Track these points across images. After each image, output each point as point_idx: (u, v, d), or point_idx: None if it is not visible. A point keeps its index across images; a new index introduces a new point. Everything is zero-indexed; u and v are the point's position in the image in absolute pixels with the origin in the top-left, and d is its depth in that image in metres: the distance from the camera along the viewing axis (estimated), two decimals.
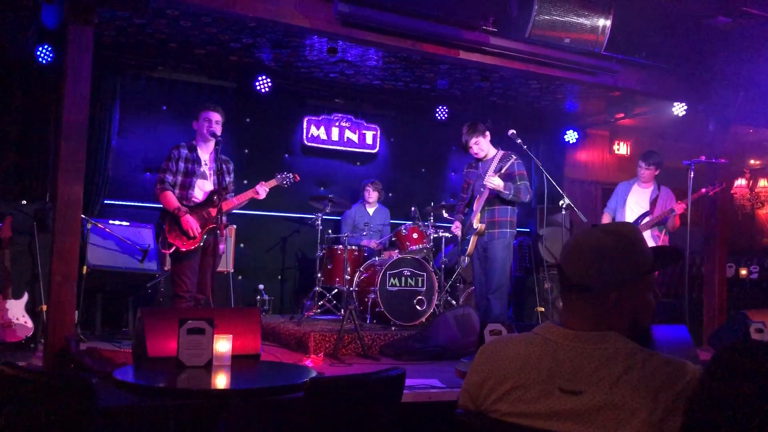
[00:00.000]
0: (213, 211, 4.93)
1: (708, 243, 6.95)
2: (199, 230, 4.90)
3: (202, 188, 5.05)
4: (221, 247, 5.10)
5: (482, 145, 5.58)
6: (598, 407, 1.42)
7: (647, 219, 6.12)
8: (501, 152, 5.57)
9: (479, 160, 5.64)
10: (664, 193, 6.26)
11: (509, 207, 5.53)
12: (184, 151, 5.01)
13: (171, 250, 4.87)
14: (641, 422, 1.38)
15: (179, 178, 4.98)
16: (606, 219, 6.44)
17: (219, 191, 4.91)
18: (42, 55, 6.30)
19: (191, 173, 5.01)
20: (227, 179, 5.11)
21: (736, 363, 1.26)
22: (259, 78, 7.37)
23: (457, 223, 5.74)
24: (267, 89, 7.42)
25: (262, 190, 5.21)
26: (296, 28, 5.17)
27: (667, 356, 1.47)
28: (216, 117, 5.04)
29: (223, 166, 5.06)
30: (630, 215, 6.28)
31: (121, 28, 6.26)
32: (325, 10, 5.02)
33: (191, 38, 6.46)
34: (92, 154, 6.50)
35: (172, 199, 4.91)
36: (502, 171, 5.42)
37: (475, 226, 5.51)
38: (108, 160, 6.91)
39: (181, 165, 4.98)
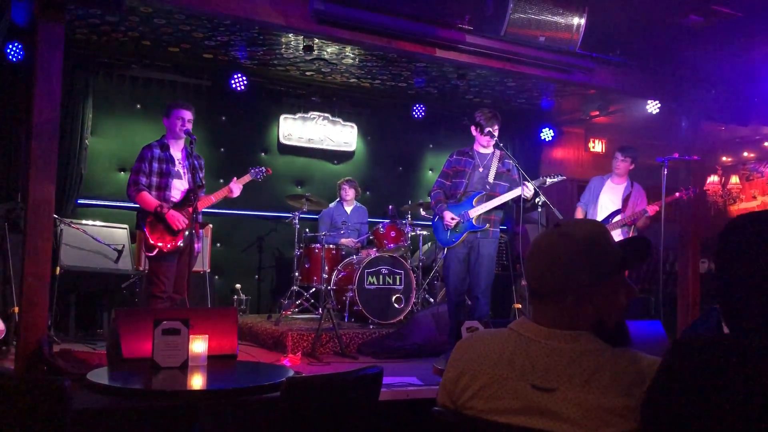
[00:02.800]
0: (191, 210, 4.83)
1: (681, 239, 7.04)
2: (186, 222, 4.81)
3: (178, 188, 4.96)
4: (197, 246, 4.97)
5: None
6: (570, 405, 1.42)
7: (618, 218, 6.13)
8: (499, 151, 5.32)
9: (468, 152, 5.28)
10: (636, 190, 6.27)
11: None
12: (157, 151, 4.90)
13: (154, 253, 4.77)
14: (613, 419, 1.38)
15: (154, 179, 4.88)
16: (579, 213, 6.46)
17: (195, 189, 4.84)
18: (12, 53, 6.19)
19: (167, 174, 4.91)
20: (199, 176, 5.02)
21: (694, 358, 1.27)
22: (235, 76, 7.31)
23: (451, 214, 5.17)
24: (242, 87, 7.36)
25: (236, 188, 5.14)
26: (271, 25, 5.15)
27: (637, 353, 1.47)
28: (189, 115, 4.96)
29: (196, 162, 4.97)
30: (602, 212, 6.30)
31: (93, 26, 6.17)
32: (300, 8, 4.99)
33: (165, 36, 6.39)
34: (65, 153, 6.40)
35: (150, 198, 4.81)
36: (540, 183, 5.29)
37: (477, 224, 5.16)
38: (81, 159, 6.81)
39: (155, 165, 4.88)
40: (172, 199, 4.90)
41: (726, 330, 1.37)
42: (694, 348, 1.29)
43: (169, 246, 4.79)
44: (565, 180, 6.36)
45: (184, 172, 4.98)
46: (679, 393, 1.26)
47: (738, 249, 1.34)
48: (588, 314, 1.52)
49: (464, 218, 5.12)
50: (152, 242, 4.76)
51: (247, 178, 5.32)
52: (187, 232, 4.84)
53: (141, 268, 6.12)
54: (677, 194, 6.12)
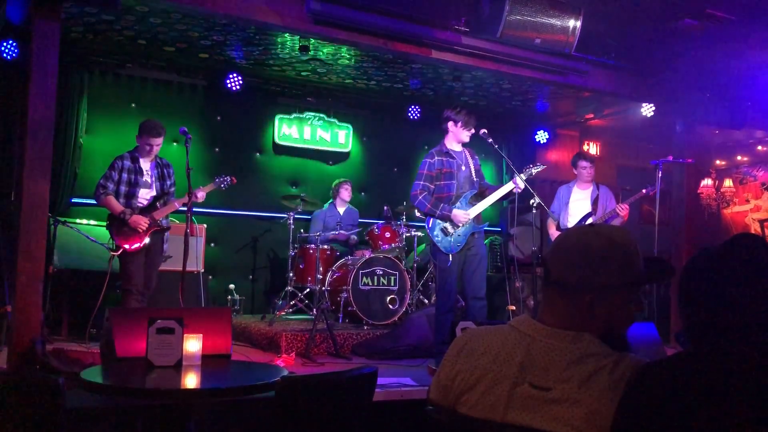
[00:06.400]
0: (156, 215, 5.32)
1: (675, 242, 7.07)
2: (147, 224, 5.23)
3: (144, 197, 5.36)
4: (165, 246, 5.49)
5: None
6: (565, 405, 1.42)
7: (590, 220, 6.21)
8: (466, 148, 5.28)
9: (447, 152, 5.18)
10: (603, 191, 6.41)
11: None
12: (127, 163, 5.32)
13: (119, 252, 5.19)
14: (605, 423, 1.38)
15: (123, 188, 5.29)
16: (551, 225, 6.46)
17: (161, 196, 5.37)
18: (6, 50, 6.17)
19: (134, 184, 5.32)
20: (168, 183, 5.48)
21: (656, 382, 1.31)
22: (230, 76, 7.30)
23: (463, 212, 5.02)
24: (238, 87, 7.36)
25: (201, 194, 5.47)
26: (267, 25, 5.15)
27: (637, 359, 1.47)
28: (157, 141, 5.32)
29: (164, 171, 5.45)
30: (573, 217, 6.38)
31: (88, 24, 6.16)
32: (296, 8, 4.99)
33: (161, 35, 6.38)
34: (59, 151, 6.38)
35: (115, 203, 5.24)
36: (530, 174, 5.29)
37: (478, 224, 5.10)
38: (75, 158, 6.79)
39: (124, 176, 5.30)
40: (138, 205, 5.33)
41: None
42: (656, 373, 1.33)
43: (132, 246, 5.21)
44: (560, 182, 6.39)
45: (151, 182, 5.41)
46: (645, 418, 1.28)
47: (703, 277, 1.40)
48: (600, 317, 1.52)
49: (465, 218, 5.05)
50: (117, 242, 5.21)
51: (210, 187, 5.63)
52: (148, 237, 5.28)
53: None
54: (643, 191, 6.20)
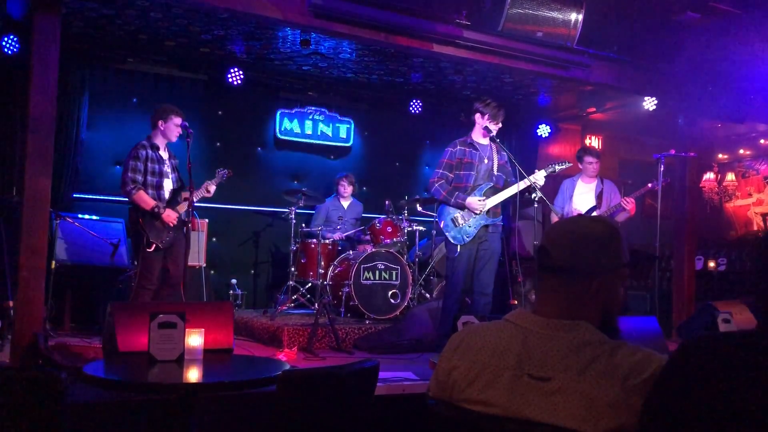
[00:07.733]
0: (179, 209, 5.18)
1: (677, 236, 7.06)
2: (176, 219, 5.12)
3: (167, 188, 5.23)
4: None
5: None
6: (565, 394, 1.43)
7: (595, 214, 6.19)
8: (493, 143, 5.24)
9: (471, 143, 5.16)
10: (608, 186, 6.40)
11: None
12: (150, 152, 5.14)
13: (152, 248, 5.04)
14: (606, 410, 1.39)
15: (148, 178, 5.10)
16: (555, 220, 6.45)
17: (179, 189, 5.26)
18: (7, 45, 6.16)
19: (159, 173, 5.16)
20: (179, 174, 5.36)
21: (703, 355, 1.28)
22: (231, 70, 7.29)
23: (477, 198, 5.02)
24: (239, 82, 7.35)
25: (212, 188, 5.43)
26: (269, 19, 5.13)
27: (635, 346, 1.48)
28: (181, 121, 5.21)
29: (175, 162, 5.35)
30: (577, 211, 6.36)
31: (89, 19, 6.14)
32: (297, 2, 4.98)
33: (161, 30, 6.37)
34: (61, 147, 6.39)
35: (147, 198, 5.05)
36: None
37: (490, 218, 5.06)
38: (77, 153, 6.79)
39: (149, 165, 5.11)
40: (165, 198, 5.18)
41: (722, 327, 1.39)
42: (703, 347, 1.30)
43: (162, 242, 5.08)
44: (562, 176, 6.35)
45: (169, 172, 5.28)
46: (686, 393, 1.26)
47: None
48: (598, 301, 1.56)
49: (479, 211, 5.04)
50: (151, 239, 5.03)
51: (216, 181, 5.54)
52: (173, 231, 5.15)
53: (137, 263, 6.11)
54: (649, 185, 6.19)
